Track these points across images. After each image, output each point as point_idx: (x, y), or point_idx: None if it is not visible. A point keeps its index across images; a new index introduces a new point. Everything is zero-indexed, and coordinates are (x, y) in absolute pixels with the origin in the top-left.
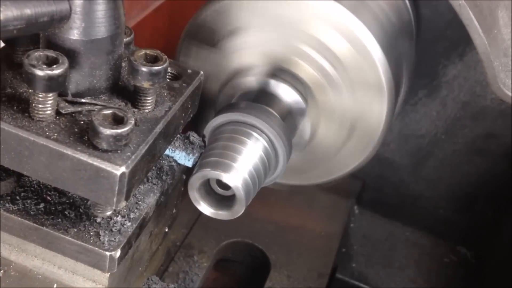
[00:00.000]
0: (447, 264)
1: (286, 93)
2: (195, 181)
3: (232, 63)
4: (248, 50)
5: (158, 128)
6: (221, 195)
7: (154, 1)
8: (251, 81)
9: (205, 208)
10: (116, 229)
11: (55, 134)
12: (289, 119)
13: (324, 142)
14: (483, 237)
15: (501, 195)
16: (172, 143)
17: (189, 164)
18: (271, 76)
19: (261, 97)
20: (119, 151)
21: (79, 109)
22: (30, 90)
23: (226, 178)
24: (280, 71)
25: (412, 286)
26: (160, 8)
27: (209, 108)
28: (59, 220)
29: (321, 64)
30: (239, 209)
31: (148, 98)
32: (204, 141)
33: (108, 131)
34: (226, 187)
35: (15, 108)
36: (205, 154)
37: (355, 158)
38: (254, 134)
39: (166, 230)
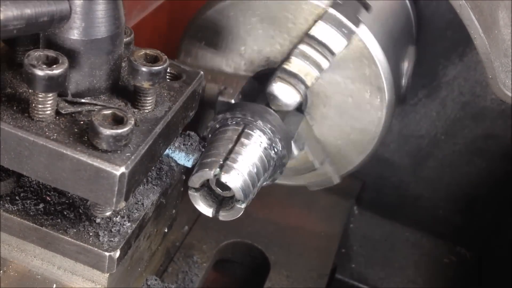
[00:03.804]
0: (447, 264)
1: (286, 93)
2: (195, 181)
3: (232, 63)
4: (248, 50)
5: (158, 129)
6: (221, 196)
7: (154, 1)
8: (251, 81)
9: (205, 209)
10: (115, 229)
11: (55, 134)
12: (289, 119)
13: (324, 141)
14: (483, 237)
15: (501, 195)
16: (172, 143)
17: (188, 164)
18: (271, 76)
19: (261, 97)
20: (119, 152)
21: (79, 109)
22: (30, 90)
23: (225, 178)
24: (280, 71)
25: (412, 286)
26: (160, 8)
27: (209, 108)
28: (59, 220)
29: (321, 63)
30: (238, 210)
31: (148, 98)
32: (203, 142)
33: (108, 131)
34: (225, 187)
35: (15, 108)
36: (204, 154)
37: (354, 158)
38: (254, 134)
39: (166, 230)
